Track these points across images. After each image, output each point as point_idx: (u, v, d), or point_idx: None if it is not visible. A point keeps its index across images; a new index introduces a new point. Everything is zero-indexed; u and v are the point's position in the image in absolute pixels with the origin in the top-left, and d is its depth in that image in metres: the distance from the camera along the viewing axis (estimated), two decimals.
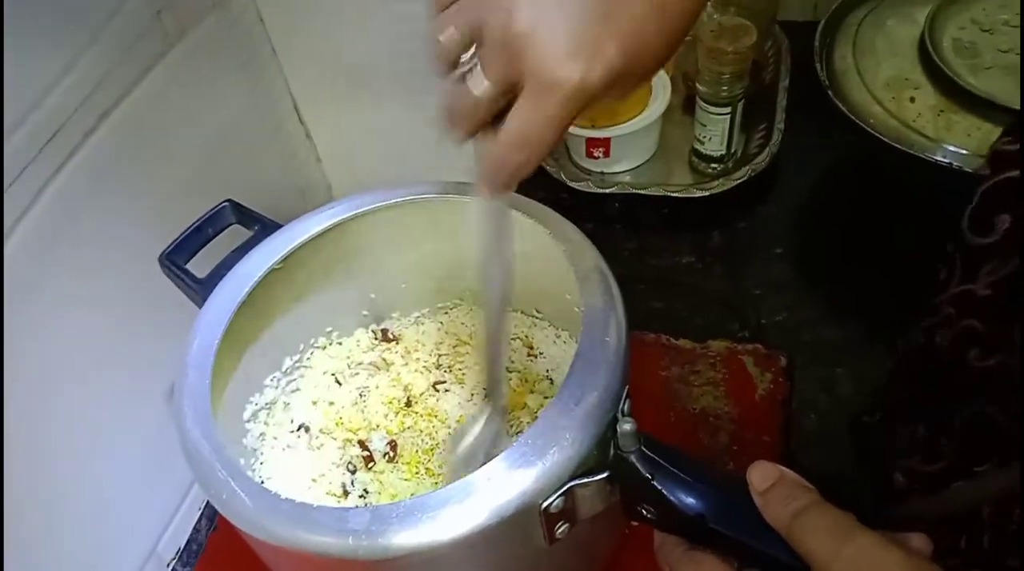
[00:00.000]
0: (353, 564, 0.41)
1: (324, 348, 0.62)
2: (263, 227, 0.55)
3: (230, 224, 0.56)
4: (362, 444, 0.58)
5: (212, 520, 0.69)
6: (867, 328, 0.71)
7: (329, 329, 0.62)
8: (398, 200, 0.54)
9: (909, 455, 0.50)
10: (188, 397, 0.46)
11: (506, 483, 0.40)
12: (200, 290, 0.53)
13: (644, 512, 0.42)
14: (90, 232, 0.56)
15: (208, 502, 0.70)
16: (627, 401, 0.45)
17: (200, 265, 0.54)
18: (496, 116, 0.39)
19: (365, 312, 0.63)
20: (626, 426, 0.40)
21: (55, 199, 0.52)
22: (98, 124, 0.55)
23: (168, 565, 0.68)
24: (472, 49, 0.38)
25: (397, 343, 0.63)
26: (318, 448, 0.57)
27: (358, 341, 0.63)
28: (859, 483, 0.58)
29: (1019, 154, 0.43)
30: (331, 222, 0.53)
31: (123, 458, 0.62)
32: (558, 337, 0.61)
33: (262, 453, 0.57)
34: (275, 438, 0.57)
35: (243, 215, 0.56)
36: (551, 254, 0.50)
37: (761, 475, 0.38)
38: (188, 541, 0.70)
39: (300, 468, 0.57)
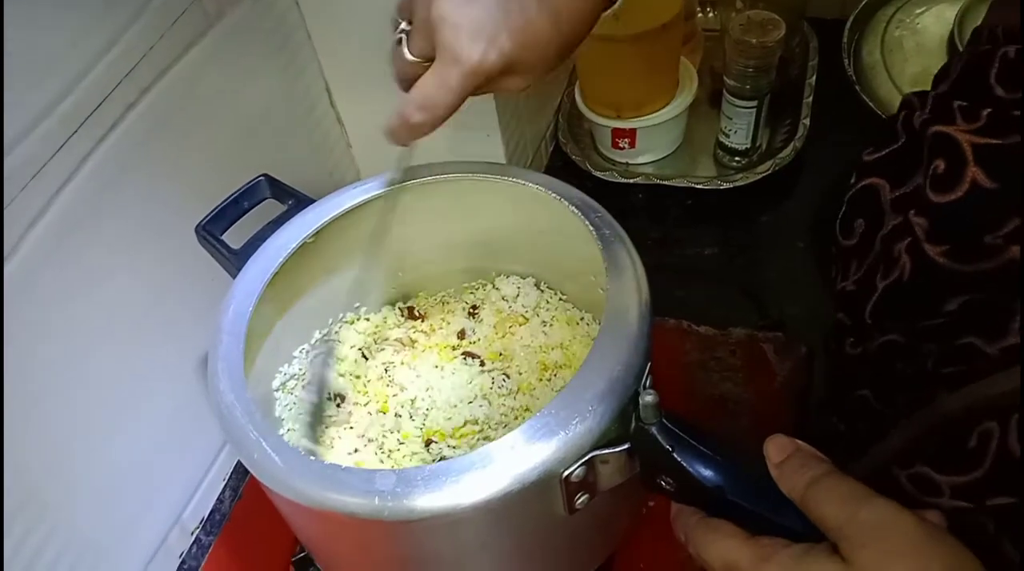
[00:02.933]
0: (378, 525, 0.42)
1: (352, 323, 0.63)
2: (297, 202, 0.57)
3: (265, 198, 0.58)
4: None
5: (236, 491, 0.71)
6: None
7: (357, 305, 0.63)
8: (427, 179, 0.55)
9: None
10: (222, 361, 0.47)
11: (529, 451, 0.41)
12: (235, 260, 0.54)
13: (663, 484, 0.43)
14: (128, 203, 0.57)
15: (232, 473, 0.72)
16: (649, 377, 0.46)
17: (235, 237, 0.56)
18: None
19: (392, 289, 0.64)
20: (648, 398, 0.41)
21: (97, 169, 0.53)
22: (139, 99, 0.56)
23: (192, 533, 0.70)
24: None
25: (423, 320, 0.64)
26: (347, 417, 0.59)
27: (385, 317, 0.64)
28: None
29: (878, 162, 0.50)
30: (362, 198, 0.55)
31: (152, 426, 0.63)
32: (581, 319, 0.61)
33: (290, 422, 0.58)
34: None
35: (278, 189, 0.58)
36: (577, 234, 0.51)
37: (777, 447, 0.39)
38: (212, 511, 0.71)
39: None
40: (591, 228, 0.51)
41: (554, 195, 0.53)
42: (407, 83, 0.47)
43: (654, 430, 0.41)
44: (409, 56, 0.46)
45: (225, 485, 0.72)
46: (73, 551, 0.57)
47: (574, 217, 0.52)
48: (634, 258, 0.49)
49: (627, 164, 0.88)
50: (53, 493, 0.55)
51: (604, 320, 0.46)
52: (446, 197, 0.57)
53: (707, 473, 0.40)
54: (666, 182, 0.84)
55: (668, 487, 0.42)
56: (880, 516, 0.33)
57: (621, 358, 0.44)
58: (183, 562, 0.68)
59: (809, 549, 0.35)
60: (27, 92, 0.48)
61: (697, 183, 0.83)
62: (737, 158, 0.85)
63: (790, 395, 0.64)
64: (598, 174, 0.86)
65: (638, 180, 0.85)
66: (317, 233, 0.54)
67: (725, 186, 0.82)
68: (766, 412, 0.63)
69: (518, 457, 0.41)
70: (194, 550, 0.69)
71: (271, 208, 0.57)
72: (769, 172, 0.81)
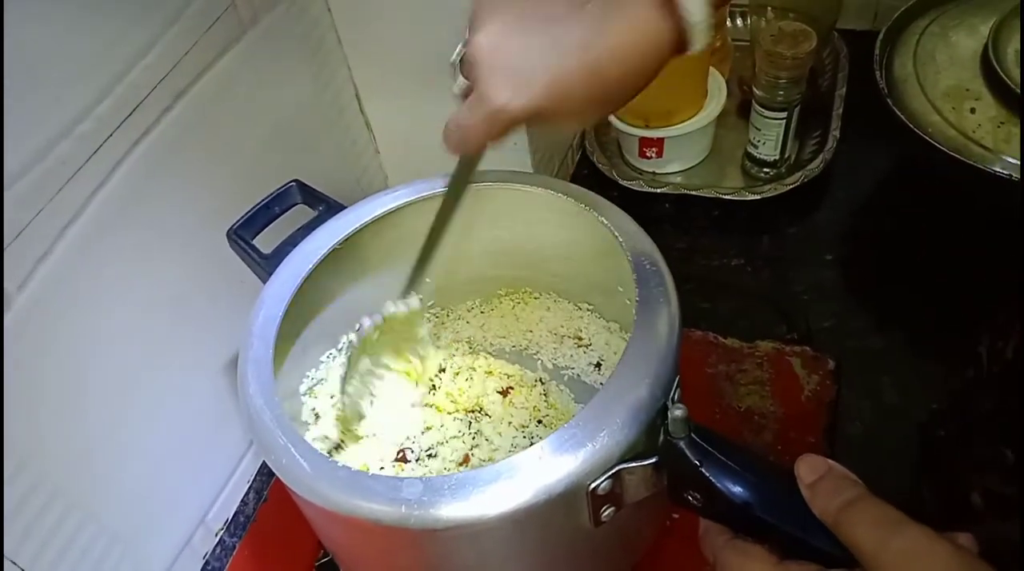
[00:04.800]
0: (403, 532, 0.42)
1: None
2: (327, 207, 0.57)
3: (295, 203, 0.58)
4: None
5: (260, 494, 0.71)
6: (916, 339, 0.70)
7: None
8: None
9: (988, 474, 0.50)
10: (252, 365, 0.48)
11: (556, 463, 0.41)
12: (265, 265, 0.54)
13: (690, 499, 0.42)
14: (161, 206, 0.57)
15: (256, 476, 0.72)
16: (678, 390, 0.46)
17: (265, 241, 0.56)
18: None
19: (420, 296, 0.64)
20: (677, 412, 0.41)
21: (131, 172, 0.54)
22: (174, 102, 0.57)
23: (216, 534, 0.70)
24: None
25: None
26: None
27: None
28: (923, 496, 0.57)
29: None
30: (393, 205, 0.55)
31: (179, 427, 0.64)
32: (608, 329, 0.61)
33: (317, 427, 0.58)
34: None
35: (308, 195, 0.58)
36: (606, 244, 0.51)
37: (809, 467, 0.39)
38: (236, 512, 0.71)
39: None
40: (620, 238, 0.51)
41: (583, 205, 0.53)
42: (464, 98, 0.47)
43: (682, 444, 0.41)
44: (461, 81, 0.45)
45: (249, 487, 0.73)
46: (100, 547, 0.57)
47: (603, 227, 0.52)
48: (664, 269, 0.49)
49: (654, 174, 0.88)
50: (81, 490, 0.55)
51: (633, 333, 0.46)
52: (478, 205, 0.57)
53: (735, 489, 0.40)
54: (693, 192, 0.84)
55: (695, 502, 0.42)
56: (914, 544, 0.33)
57: (650, 371, 0.44)
58: (207, 563, 0.69)
59: None
60: (65, 94, 0.49)
61: (725, 194, 0.82)
62: (766, 169, 0.85)
63: (817, 409, 0.63)
64: (625, 183, 0.85)
65: (665, 190, 0.84)
66: (347, 239, 0.54)
67: (753, 197, 0.81)
68: (792, 426, 0.62)
69: (545, 468, 0.41)
70: (218, 551, 0.70)
71: (301, 213, 0.58)
72: (798, 184, 0.81)
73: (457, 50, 0.47)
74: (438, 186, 0.55)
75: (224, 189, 0.63)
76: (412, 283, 0.55)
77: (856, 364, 0.68)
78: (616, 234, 0.51)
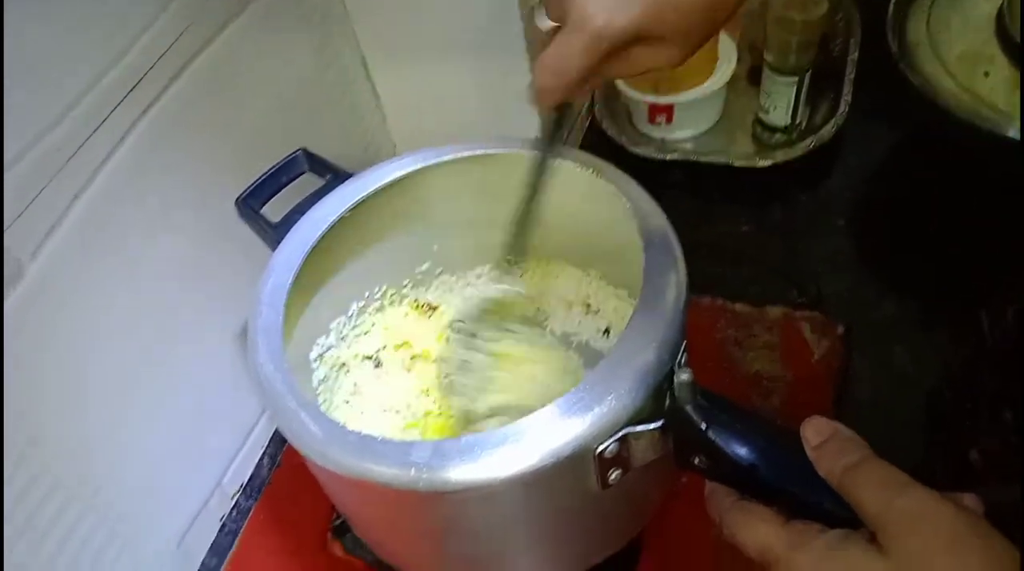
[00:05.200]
0: (413, 495, 0.43)
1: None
2: (335, 176, 0.57)
3: (303, 172, 0.58)
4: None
5: (275, 458, 0.72)
6: (928, 307, 0.70)
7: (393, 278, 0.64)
8: (467, 154, 0.56)
9: (989, 436, 0.50)
10: (262, 333, 0.48)
11: (563, 426, 0.42)
12: (273, 233, 0.55)
13: (696, 462, 0.43)
14: (168, 177, 0.58)
15: (271, 442, 0.73)
16: (684, 355, 0.46)
17: (273, 210, 0.57)
18: None
19: (428, 263, 0.65)
20: (683, 376, 0.41)
21: (137, 144, 0.54)
22: (180, 72, 0.57)
23: (232, 497, 0.71)
24: None
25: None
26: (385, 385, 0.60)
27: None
28: (929, 458, 0.57)
29: None
30: (401, 173, 0.55)
31: (193, 396, 0.65)
32: (617, 296, 0.61)
33: (326, 394, 0.59)
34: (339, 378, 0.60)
35: (315, 163, 0.58)
36: (614, 211, 0.51)
37: (815, 429, 0.39)
38: (251, 476, 0.73)
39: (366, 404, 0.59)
40: (628, 205, 0.50)
41: (591, 171, 0.53)
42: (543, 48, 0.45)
43: (689, 408, 0.41)
44: (542, 24, 0.44)
45: (264, 452, 0.74)
46: (120, 507, 0.59)
47: (612, 194, 0.52)
48: (671, 236, 0.49)
49: (663, 140, 0.87)
50: (97, 462, 0.56)
51: (640, 297, 0.46)
52: (486, 172, 0.57)
53: (741, 452, 0.40)
54: (703, 159, 0.83)
55: (701, 465, 0.43)
56: (919, 505, 0.33)
57: (657, 336, 0.44)
58: (224, 525, 0.70)
59: (845, 537, 0.35)
60: (69, 68, 0.49)
61: (735, 160, 0.82)
62: (776, 135, 0.84)
63: (827, 374, 0.63)
64: (634, 150, 0.85)
65: (675, 156, 0.84)
66: (355, 207, 0.54)
67: (763, 163, 0.81)
68: (802, 390, 0.62)
69: (552, 432, 0.41)
70: (234, 514, 0.71)
71: (309, 182, 0.58)
72: (809, 149, 0.80)
73: None
74: (446, 154, 0.55)
75: (230, 160, 0.63)
76: (513, 250, 0.52)
77: (867, 331, 0.67)
78: (625, 201, 0.51)
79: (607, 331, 0.61)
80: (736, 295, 0.70)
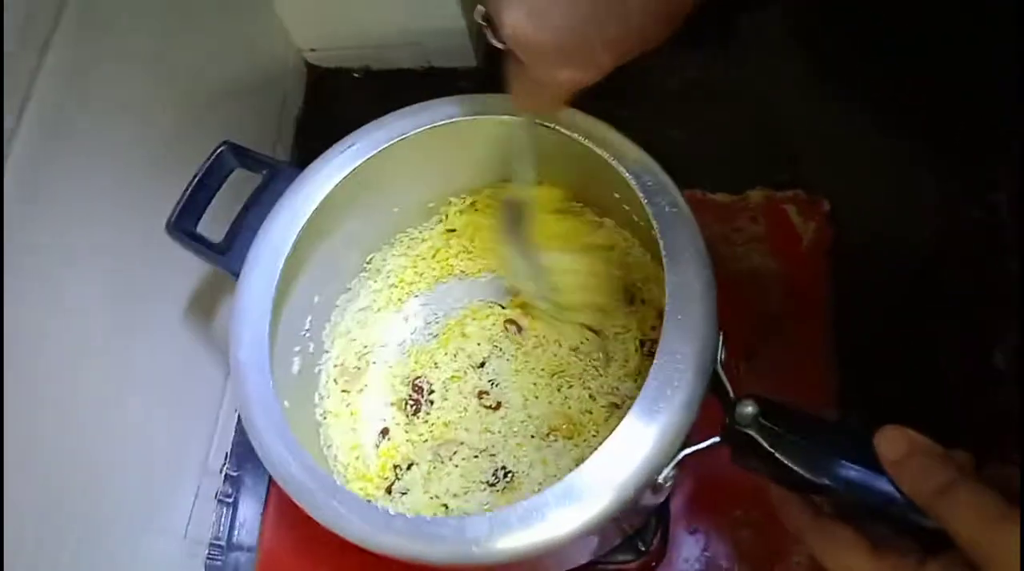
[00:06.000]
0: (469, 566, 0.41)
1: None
2: (272, 170, 0.49)
3: (232, 170, 0.49)
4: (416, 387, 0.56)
5: None
6: (911, 157, 0.65)
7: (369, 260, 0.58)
8: (418, 131, 0.48)
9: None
10: (258, 408, 0.44)
11: (618, 474, 0.40)
12: (221, 257, 0.47)
13: (757, 469, 0.41)
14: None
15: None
16: (723, 349, 0.43)
17: (213, 225, 0.48)
18: None
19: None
20: (748, 409, 0.39)
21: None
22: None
23: (221, 472, 0.69)
24: None
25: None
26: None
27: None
28: (939, 358, 0.57)
29: None
30: (353, 166, 0.47)
31: (149, 388, 0.59)
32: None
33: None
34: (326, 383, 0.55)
35: (245, 158, 0.49)
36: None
37: (890, 443, 0.37)
38: (233, 444, 0.69)
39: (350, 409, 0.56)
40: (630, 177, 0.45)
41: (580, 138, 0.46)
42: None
43: (752, 432, 0.39)
44: (496, 44, 0.39)
45: (239, 416, 0.70)
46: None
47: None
48: (688, 215, 0.44)
49: None
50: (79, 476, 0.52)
51: (668, 304, 0.42)
52: (443, 140, 0.50)
53: (813, 473, 0.38)
54: None
55: (763, 472, 0.41)
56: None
57: (693, 350, 0.41)
58: (220, 501, 0.68)
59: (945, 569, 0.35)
60: None
61: None
62: None
63: (819, 258, 0.61)
64: None
65: None
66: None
67: None
68: (798, 281, 0.60)
69: (608, 482, 0.40)
70: (227, 486, 0.69)
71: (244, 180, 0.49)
72: None
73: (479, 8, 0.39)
74: (395, 133, 0.48)
75: (139, 155, 0.52)
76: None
77: (848, 200, 0.63)
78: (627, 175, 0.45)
79: None
80: (709, 178, 0.65)
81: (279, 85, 0.76)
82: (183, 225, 0.48)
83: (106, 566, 0.54)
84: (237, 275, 0.47)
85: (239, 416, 0.69)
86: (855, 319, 0.59)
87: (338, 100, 0.77)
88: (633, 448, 0.40)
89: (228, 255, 0.47)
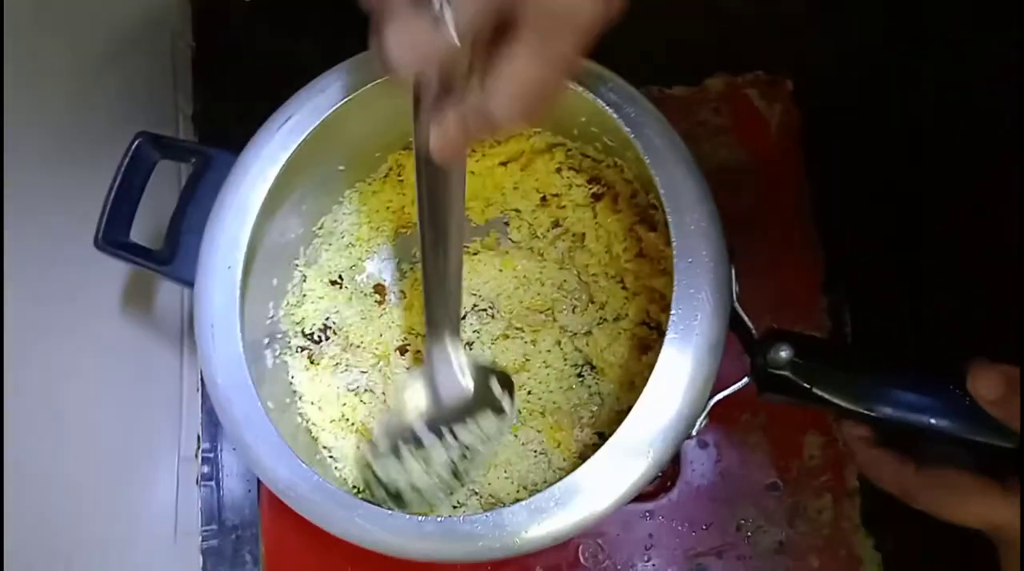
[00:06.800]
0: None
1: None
2: (202, 158, 0.43)
3: (155, 163, 0.43)
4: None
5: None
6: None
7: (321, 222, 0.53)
8: (363, 91, 0.42)
9: None
10: (254, 437, 0.39)
11: (652, 434, 0.38)
12: (168, 270, 0.42)
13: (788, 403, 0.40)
14: None
15: (201, 382, 0.64)
16: (738, 283, 0.41)
17: (147, 229, 0.43)
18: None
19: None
20: (783, 353, 0.36)
21: None
22: None
23: (197, 455, 0.65)
24: None
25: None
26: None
27: None
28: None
29: None
30: (297, 142, 0.42)
31: (102, 391, 0.55)
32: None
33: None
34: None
35: (168, 148, 0.43)
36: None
37: (987, 384, 0.35)
38: (203, 425, 0.66)
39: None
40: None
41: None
42: (439, 80, 0.30)
43: (787, 372, 0.37)
44: (454, 37, 0.27)
45: (201, 393, 0.66)
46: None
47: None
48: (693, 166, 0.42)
49: None
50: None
51: (676, 251, 0.39)
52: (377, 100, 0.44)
53: (855, 405, 0.37)
54: None
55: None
56: None
57: (709, 294, 0.39)
58: (201, 485, 0.65)
59: None
60: None
61: None
62: None
63: (790, 143, 0.58)
64: None
65: None
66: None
67: None
68: (772, 171, 0.57)
69: (645, 446, 0.38)
70: (205, 469, 0.65)
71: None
72: None
73: None
74: (335, 98, 0.42)
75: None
76: None
77: (810, 77, 0.59)
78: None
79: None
80: (659, 75, 0.60)
81: (165, 25, 0.67)
82: (113, 237, 0.42)
83: None
84: (187, 283, 0.42)
85: (202, 394, 0.65)
86: (834, 204, 0.57)
87: (230, 30, 0.68)
88: (664, 407, 0.38)
89: (173, 264, 0.41)
